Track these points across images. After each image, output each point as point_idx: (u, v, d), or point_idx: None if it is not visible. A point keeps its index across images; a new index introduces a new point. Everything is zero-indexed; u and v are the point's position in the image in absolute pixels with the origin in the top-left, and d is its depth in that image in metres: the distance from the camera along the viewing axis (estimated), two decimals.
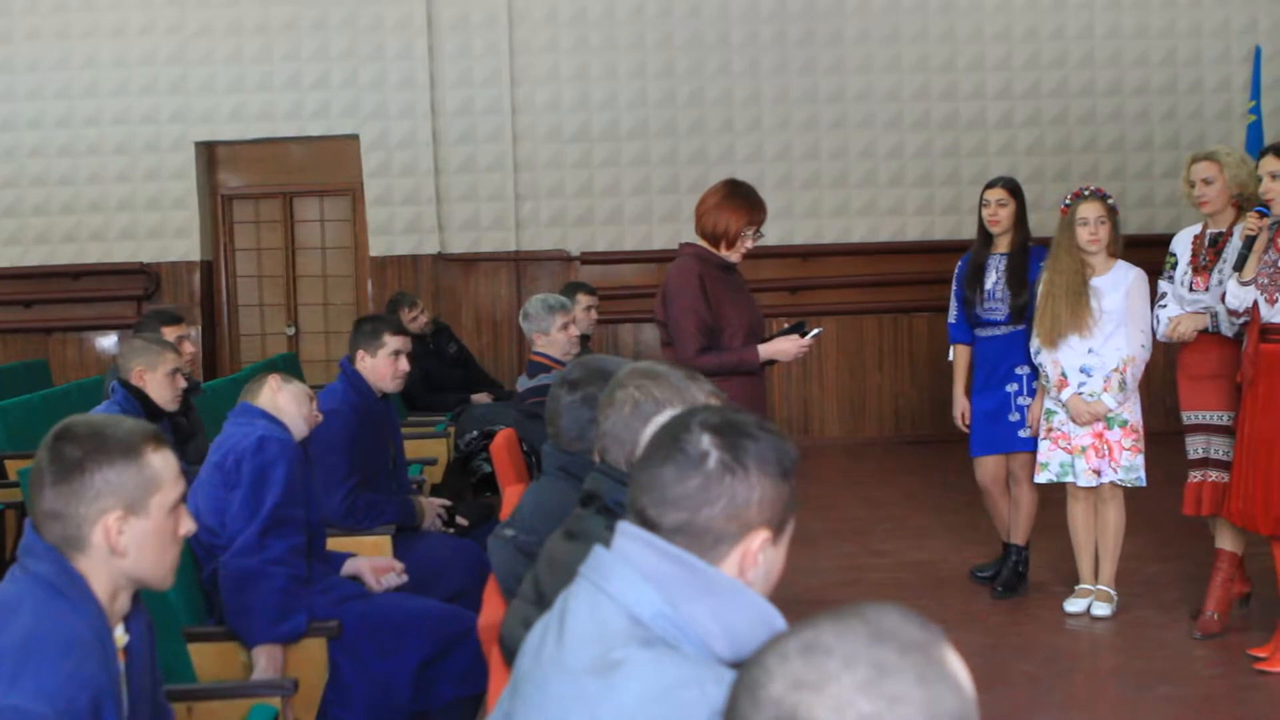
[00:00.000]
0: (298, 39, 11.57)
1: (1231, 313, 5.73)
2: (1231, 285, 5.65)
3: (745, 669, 1.44)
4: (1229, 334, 5.98)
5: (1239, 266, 5.61)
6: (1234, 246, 5.82)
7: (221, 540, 4.60)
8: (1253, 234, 5.59)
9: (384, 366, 5.89)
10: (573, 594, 2.08)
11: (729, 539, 2.01)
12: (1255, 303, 5.60)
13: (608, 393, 2.99)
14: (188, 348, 7.00)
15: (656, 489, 2.03)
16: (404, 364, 5.95)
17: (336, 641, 4.58)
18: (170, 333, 6.98)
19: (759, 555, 2.03)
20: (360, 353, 5.89)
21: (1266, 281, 5.58)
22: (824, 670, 1.38)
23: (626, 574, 2.01)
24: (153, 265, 11.66)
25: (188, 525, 2.72)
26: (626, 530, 2.06)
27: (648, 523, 2.04)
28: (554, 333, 6.72)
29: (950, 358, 7.17)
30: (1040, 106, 11.72)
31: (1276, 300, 5.55)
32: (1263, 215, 5.58)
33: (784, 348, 5.60)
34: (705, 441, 2.03)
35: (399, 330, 5.99)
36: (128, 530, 2.59)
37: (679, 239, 5.84)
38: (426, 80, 11.56)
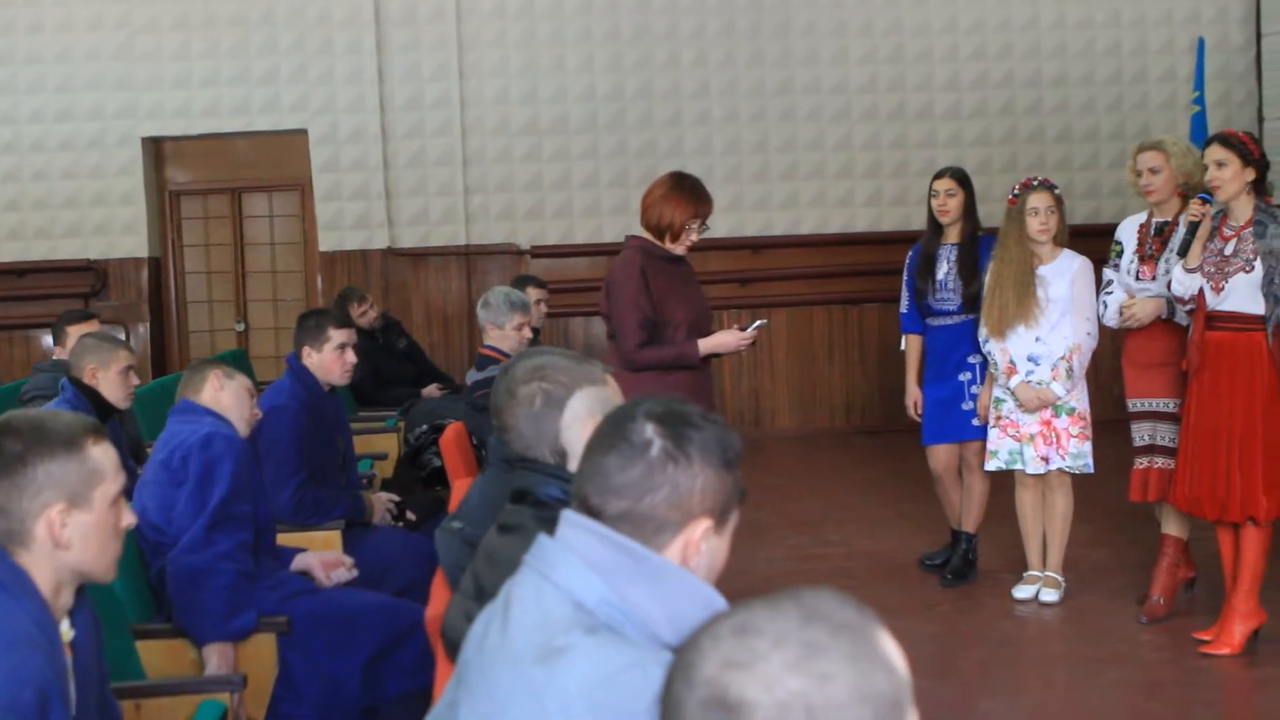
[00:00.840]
0: (245, 33, 11.50)
1: (1177, 300, 5.79)
2: (1177, 272, 5.70)
3: (680, 651, 1.45)
4: (1185, 322, 6.03)
5: (1183, 253, 5.67)
6: (1180, 235, 5.88)
7: (169, 538, 4.58)
8: (1196, 220, 5.65)
9: (331, 361, 5.89)
10: (517, 583, 2.10)
11: (671, 527, 2.04)
12: (1200, 290, 5.66)
13: (507, 393, 2.98)
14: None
15: (600, 477, 2.06)
16: (351, 357, 5.94)
17: (286, 637, 4.57)
18: (75, 330, 6.92)
19: (702, 544, 2.05)
20: (306, 349, 5.88)
21: (1212, 270, 5.64)
22: (755, 650, 1.40)
23: (571, 562, 2.02)
24: (99, 262, 11.57)
25: (129, 518, 2.72)
26: (571, 519, 2.08)
27: (591, 510, 2.06)
28: (509, 329, 6.73)
29: (902, 348, 7.21)
30: (987, 98, 11.78)
31: (1222, 288, 5.61)
32: (1206, 202, 5.63)
33: (724, 340, 5.63)
34: (649, 430, 2.06)
35: (343, 323, 5.98)
36: (71, 523, 2.59)
37: (629, 232, 5.85)
38: (375, 75, 11.51)
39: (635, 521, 2.03)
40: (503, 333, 6.75)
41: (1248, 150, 5.64)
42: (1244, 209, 5.66)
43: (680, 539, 2.04)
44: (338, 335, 5.89)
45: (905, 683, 1.45)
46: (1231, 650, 5.65)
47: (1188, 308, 5.76)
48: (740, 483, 2.11)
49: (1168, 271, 6.01)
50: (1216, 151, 5.64)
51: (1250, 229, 5.62)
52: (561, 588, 2.01)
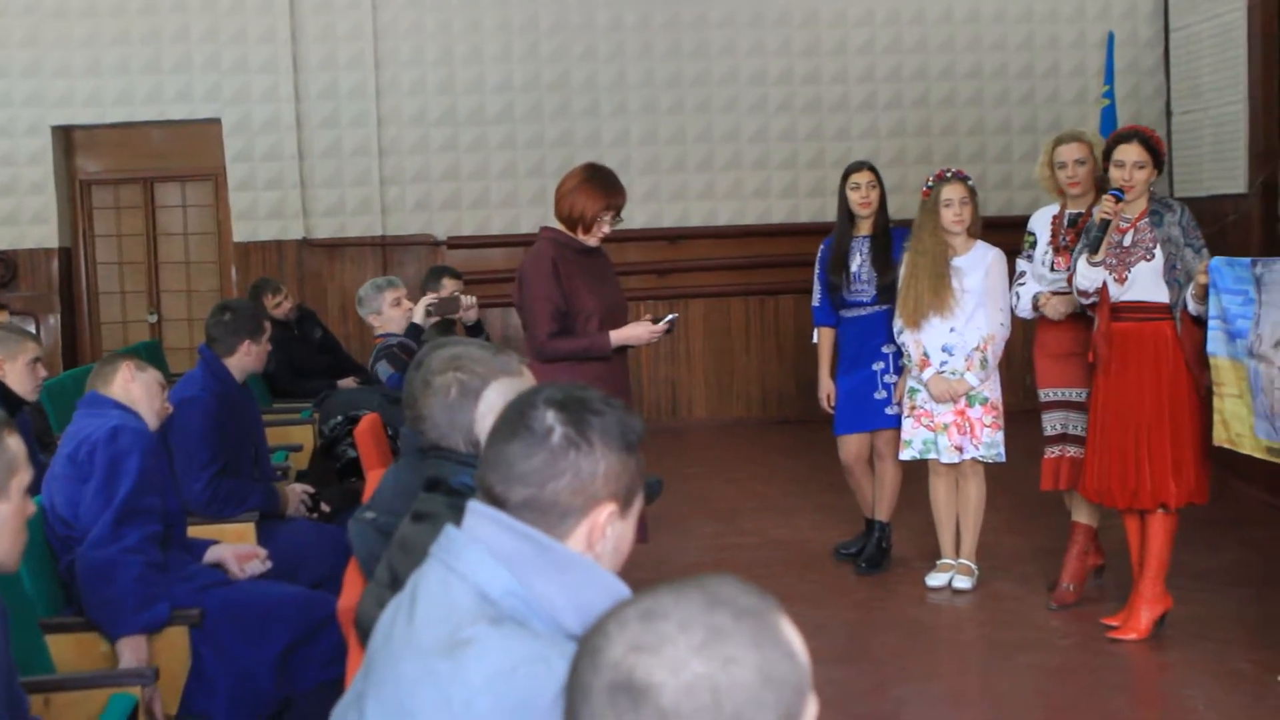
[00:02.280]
0: (157, 21, 11.36)
1: (1081, 293, 5.87)
2: (1081, 266, 5.78)
3: (586, 636, 1.47)
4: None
5: (1094, 248, 5.74)
6: (1091, 231, 5.96)
7: (77, 533, 4.53)
8: (1108, 217, 5.72)
9: (262, 352, 5.93)
10: (424, 574, 2.11)
11: (576, 512, 2.05)
12: (1104, 283, 5.75)
13: (422, 383, 2.99)
14: None
15: (503, 465, 2.06)
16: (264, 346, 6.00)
17: (198, 630, 4.54)
18: None
19: (607, 528, 2.07)
20: (248, 343, 5.88)
21: (1114, 261, 5.73)
22: (661, 634, 1.42)
23: (476, 553, 2.03)
24: (9, 252, 11.38)
25: (31, 508, 2.70)
26: (476, 509, 2.09)
27: (495, 499, 2.07)
28: (386, 309, 6.77)
29: (815, 340, 7.26)
30: (902, 90, 11.87)
31: (1125, 278, 5.70)
32: (1118, 199, 5.71)
33: (636, 333, 5.65)
34: (550, 417, 2.07)
35: (257, 330, 5.95)
36: None
37: (546, 223, 5.85)
38: (289, 63, 11.41)
39: (539, 508, 2.04)
40: (383, 316, 6.82)
41: (1159, 153, 5.75)
42: (1140, 202, 5.77)
43: (585, 524, 2.05)
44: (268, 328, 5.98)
45: (806, 668, 1.47)
46: (1139, 635, 5.75)
47: (1090, 300, 5.85)
48: (643, 466, 2.12)
49: None
50: (1138, 152, 5.70)
51: (1147, 219, 5.73)
52: (467, 579, 2.01)
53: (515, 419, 2.09)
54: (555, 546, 2.03)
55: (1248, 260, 5.30)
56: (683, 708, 1.38)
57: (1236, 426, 5.33)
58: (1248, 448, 5.29)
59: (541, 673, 1.86)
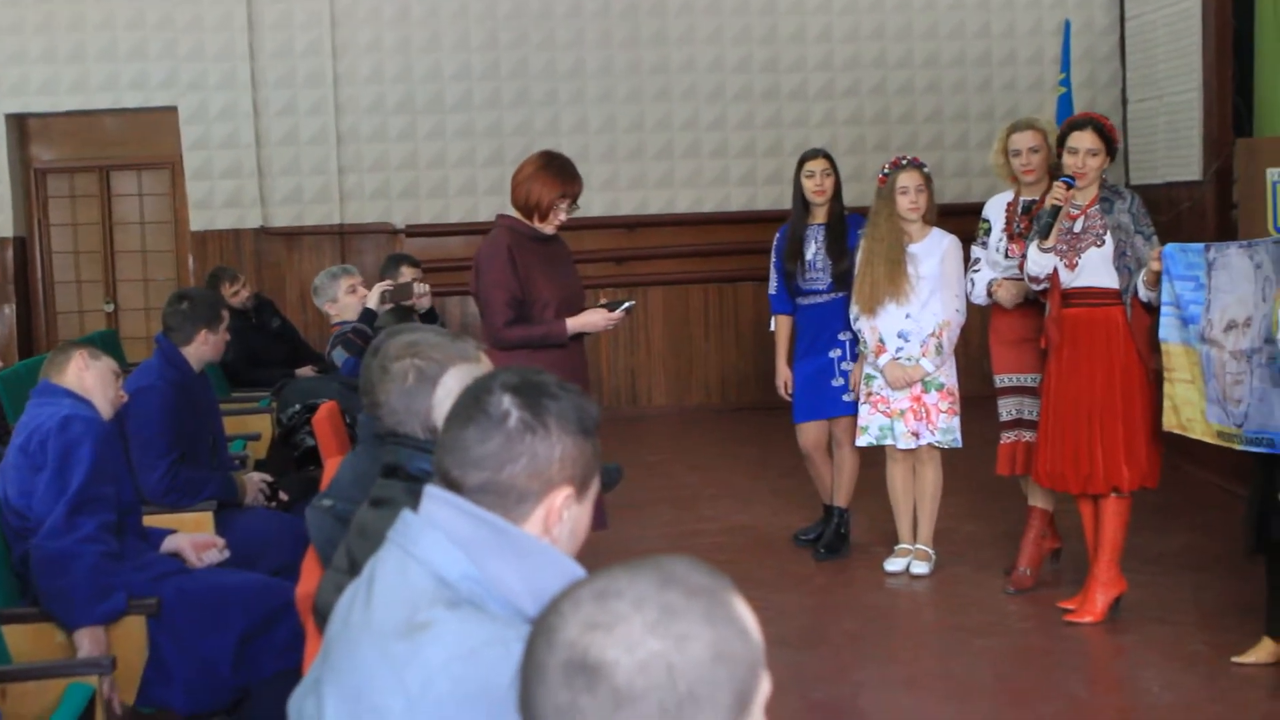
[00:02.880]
0: (111, 7, 11.26)
1: (1032, 279, 5.91)
2: (1032, 252, 5.81)
3: (541, 616, 1.48)
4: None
5: (1044, 234, 5.77)
6: (1042, 218, 5.99)
7: (31, 523, 4.51)
8: (1059, 204, 5.75)
9: (220, 341, 5.91)
10: (381, 559, 2.11)
11: (532, 496, 2.06)
12: (1055, 269, 5.79)
13: (379, 369, 2.99)
14: None
15: (460, 450, 2.07)
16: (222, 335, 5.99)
17: (156, 619, 4.53)
18: None
19: (563, 512, 2.08)
20: (205, 332, 5.84)
21: (1065, 247, 5.77)
22: (615, 612, 1.43)
23: (433, 537, 2.04)
24: None
25: None
26: (433, 494, 2.09)
27: (452, 483, 2.07)
28: (342, 297, 6.77)
29: (772, 328, 7.28)
30: (860, 78, 11.89)
31: (1076, 264, 5.74)
32: (1069, 186, 5.74)
33: (592, 320, 5.67)
34: (506, 401, 2.07)
35: (214, 319, 5.93)
36: None
37: (504, 211, 5.85)
38: (246, 50, 11.34)
39: (496, 492, 2.05)
40: (339, 304, 6.82)
41: (1113, 140, 5.79)
42: (1092, 189, 5.82)
43: (542, 508, 2.06)
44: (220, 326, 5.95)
45: (759, 646, 1.48)
46: (1095, 618, 5.80)
47: (1041, 287, 5.89)
48: (599, 450, 2.13)
49: None
50: (1091, 140, 5.74)
51: (1097, 206, 5.78)
52: (424, 563, 2.02)
53: (471, 404, 2.10)
54: (512, 530, 2.04)
55: (1200, 246, 5.35)
56: (637, 685, 1.39)
57: (1187, 411, 5.37)
58: (1198, 432, 5.34)
59: (499, 655, 1.87)
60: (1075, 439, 5.80)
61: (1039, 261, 5.79)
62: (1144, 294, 5.58)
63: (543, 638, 1.45)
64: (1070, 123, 5.93)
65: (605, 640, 1.41)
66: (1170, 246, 5.39)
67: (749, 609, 1.51)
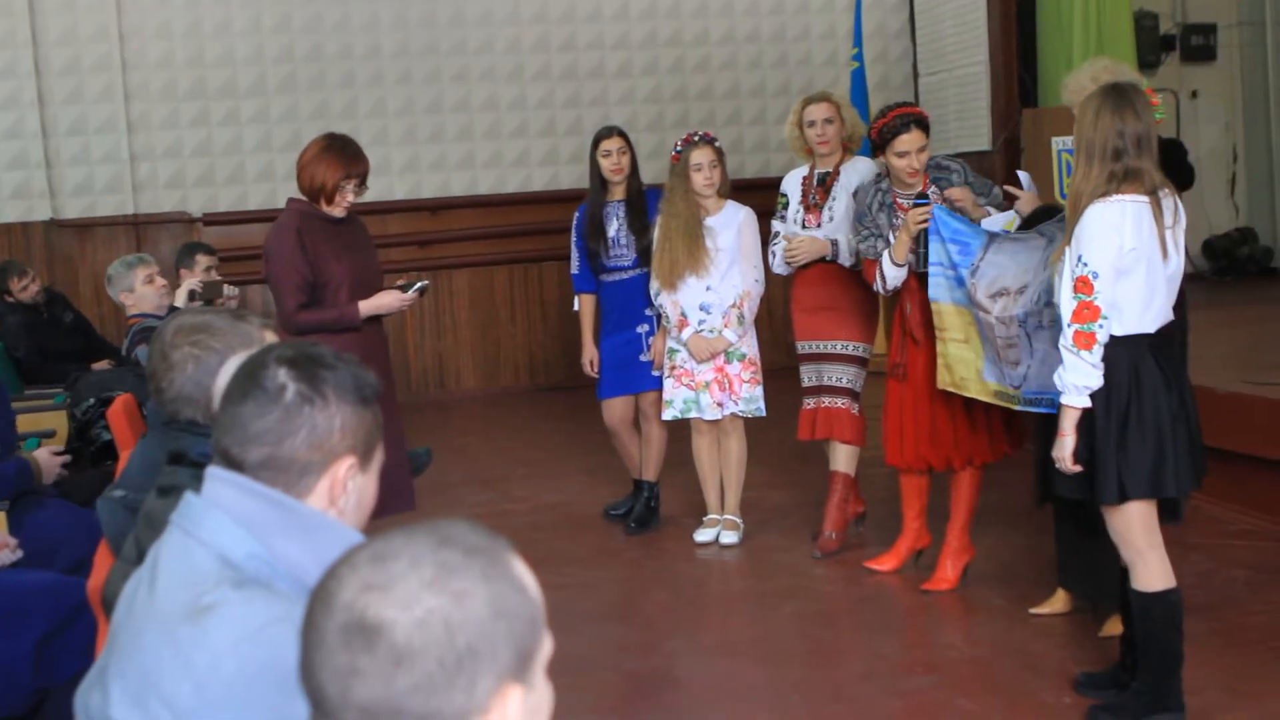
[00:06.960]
0: None
1: (890, 293, 5.90)
2: (889, 270, 5.76)
3: (320, 583, 1.47)
4: (847, 264, 6.26)
5: (898, 251, 5.72)
6: (854, 191, 6.06)
7: None
8: (923, 226, 5.54)
9: None
10: (164, 543, 2.08)
11: (315, 469, 2.04)
12: (912, 275, 5.76)
13: (160, 356, 2.94)
14: None
15: (238, 427, 2.04)
16: None
17: None
18: None
19: (348, 482, 2.06)
20: None
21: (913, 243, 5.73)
22: (391, 572, 1.43)
23: (216, 518, 2.01)
24: None
25: None
26: (215, 474, 2.06)
27: (233, 461, 2.05)
28: (139, 287, 6.62)
29: (576, 308, 7.30)
30: (657, 56, 11.97)
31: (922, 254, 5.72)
32: (921, 205, 5.67)
33: (385, 301, 5.62)
34: (282, 375, 2.05)
35: None
36: None
37: (295, 196, 5.76)
38: (29, 38, 10.98)
39: (278, 467, 2.03)
40: (136, 294, 6.67)
41: (928, 125, 5.81)
42: (918, 179, 5.83)
43: (325, 480, 2.05)
44: None
45: (539, 604, 1.49)
46: (949, 585, 5.88)
47: (892, 288, 5.85)
48: (379, 420, 2.12)
49: (832, 219, 6.27)
50: (918, 138, 5.70)
51: (931, 188, 5.78)
52: (208, 544, 2.00)
53: (247, 380, 2.07)
54: (297, 506, 2.02)
55: (984, 229, 5.35)
56: (415, 642, 1.39)
57: (960, 370, 5.44)
58: (974, 391, 5.41)
59: (287, 633, 1.84)
60: (935, 422, 5.81)
61: (898, 275, 5.79)
62: (891, 265, 5.69)
63: (320, 603, 1.44)
64: (888, 127, 5.71)
65: (382, 600, 1.41)
66: (939, 209, 5.43)
67: (527, 568, 1.52)
